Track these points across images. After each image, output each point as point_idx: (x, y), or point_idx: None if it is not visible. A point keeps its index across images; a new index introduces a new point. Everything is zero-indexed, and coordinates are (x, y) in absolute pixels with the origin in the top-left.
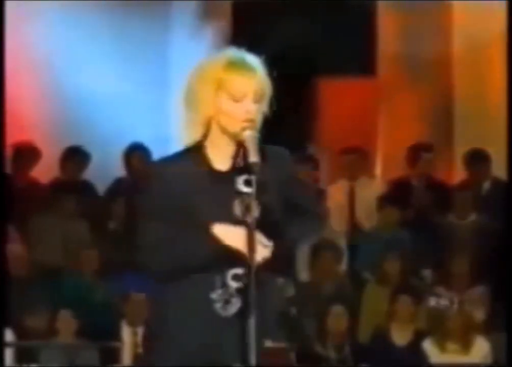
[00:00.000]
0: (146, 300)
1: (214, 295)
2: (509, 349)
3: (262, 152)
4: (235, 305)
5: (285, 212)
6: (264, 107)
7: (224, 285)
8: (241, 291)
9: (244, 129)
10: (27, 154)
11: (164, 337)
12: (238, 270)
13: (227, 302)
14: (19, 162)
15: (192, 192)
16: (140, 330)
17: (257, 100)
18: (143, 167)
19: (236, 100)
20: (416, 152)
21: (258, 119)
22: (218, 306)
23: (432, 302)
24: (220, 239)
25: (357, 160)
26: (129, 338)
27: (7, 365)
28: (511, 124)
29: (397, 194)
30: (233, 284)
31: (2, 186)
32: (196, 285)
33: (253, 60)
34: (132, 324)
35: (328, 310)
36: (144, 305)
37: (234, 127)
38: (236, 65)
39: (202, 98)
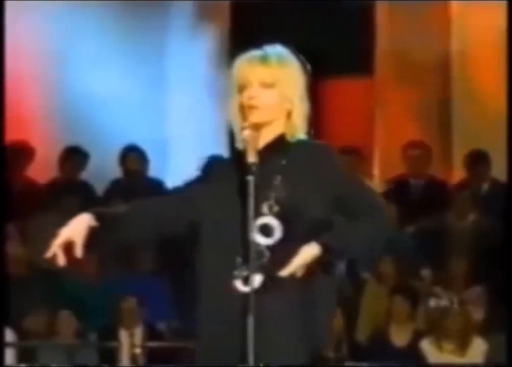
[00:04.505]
0: (138, 304)
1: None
2: (508, 349)
3: (299, 148)
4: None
5: (339, 213)
6: (286, 95)
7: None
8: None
9: (243, 128)
10: (21, 153)
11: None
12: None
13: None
14: (13, 161)
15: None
16: (137, 331)
17: (267, 85)
18: (139, 168)
19: (241, 87)
20: (404, 150)
21: (270, 106)
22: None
23: (432, 302)
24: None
25: (353, 161)
26: (126, 339)
27: (7, 365)
28: (511, 124)
29: (394, 193)
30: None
31: (2, 187)
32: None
33: (274, 52)
34: (128, 326)
35: None
36: (136, 308)
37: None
38: (247, 58)
39: (228, 99)
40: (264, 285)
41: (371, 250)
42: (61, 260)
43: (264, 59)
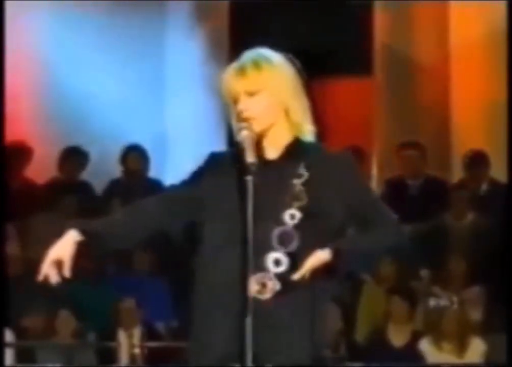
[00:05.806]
0: (136, 304)
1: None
2: (508, 349)
3: (316, 154)
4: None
5: (352, 223)
6: (275, 95)
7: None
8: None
9: (240, 129)
10: (20, 153)
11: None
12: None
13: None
14: (11, 161)
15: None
16: (136, 331)
17: (253, 93)
18: (139, 168)
19: (233, 100)
20: (398, 150)
21: (264, 112)
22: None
23: (431, 302)
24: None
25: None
26: (125, 340)
27: (7, 365)
28: (511, 124)
29: (393, 194)
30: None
31: (0, 187)
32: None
33: (249, 59)
34: (126, 327)
35: None
36: (135, 308)
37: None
38: (229, 72)
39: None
40: (281, 291)
41: (377, 260)
42: (54, 279)
43: (241, 71)
